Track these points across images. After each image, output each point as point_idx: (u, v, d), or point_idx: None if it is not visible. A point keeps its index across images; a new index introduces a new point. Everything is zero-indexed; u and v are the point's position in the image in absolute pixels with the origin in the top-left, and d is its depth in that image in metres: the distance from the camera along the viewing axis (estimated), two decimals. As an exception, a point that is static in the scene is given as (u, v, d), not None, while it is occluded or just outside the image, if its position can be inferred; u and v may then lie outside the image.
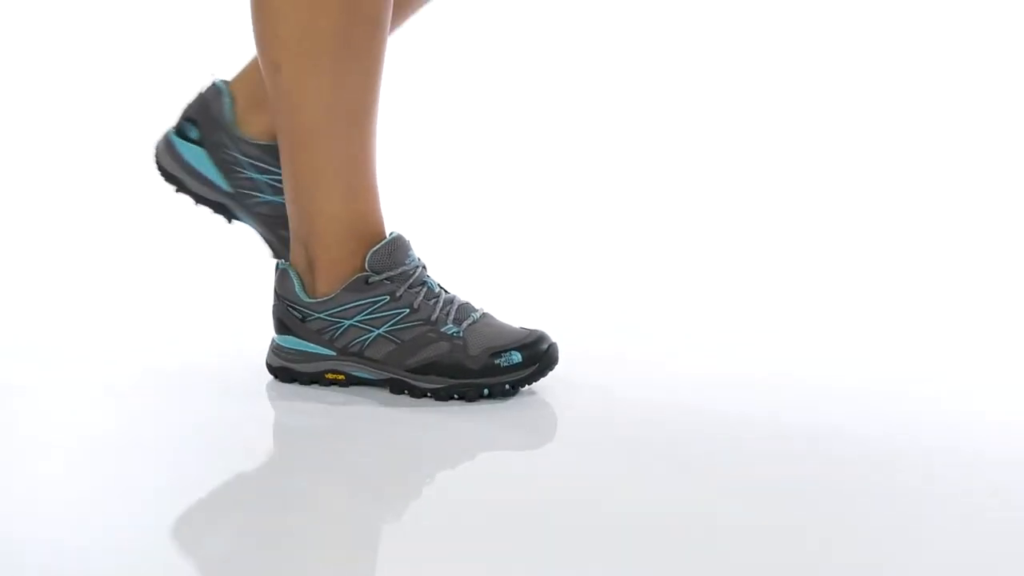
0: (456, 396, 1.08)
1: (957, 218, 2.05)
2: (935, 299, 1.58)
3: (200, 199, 1.15)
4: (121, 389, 1.12)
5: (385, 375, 1.09)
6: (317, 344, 1.10)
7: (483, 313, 1.11)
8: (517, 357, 1.07)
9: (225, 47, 2.57)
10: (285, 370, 1.12)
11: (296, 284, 1.10)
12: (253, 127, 1.13)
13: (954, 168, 2.29)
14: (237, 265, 1.87)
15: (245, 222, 1.15)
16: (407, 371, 1.09)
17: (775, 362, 1.24)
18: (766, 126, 2.44)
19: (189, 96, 1.16)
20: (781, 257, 1.86)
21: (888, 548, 0.75)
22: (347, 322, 1.09)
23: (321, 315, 1.09)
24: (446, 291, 1.12)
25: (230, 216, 1.16)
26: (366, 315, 1.08)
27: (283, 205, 1.11)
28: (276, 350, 1.12)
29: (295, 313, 1.10)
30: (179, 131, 1.15)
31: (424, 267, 1.11)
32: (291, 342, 1.11)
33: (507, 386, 1.08)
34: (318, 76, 1.06)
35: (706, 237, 2.01)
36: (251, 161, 1.12)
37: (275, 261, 1.13)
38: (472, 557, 0.75)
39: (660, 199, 2.25)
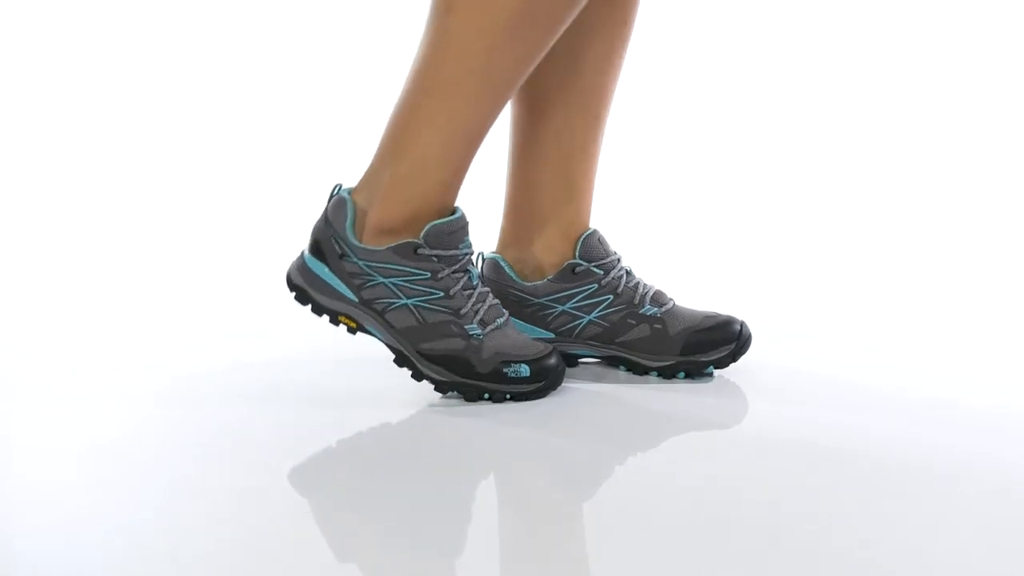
0: (456, 392, 1.09)
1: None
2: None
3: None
4: (156, 395, 1.12)
5: (395, 345, 1.09)
6: (345, 285, 1.09)
7: (508, 318, 1.11)
8: (525, 371, 1.08)
9: (225, 47, 2.58)
10: (303, 292, 1.10)
11: (349, 218, 1.08)
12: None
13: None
14: (239, 267, 1.87)
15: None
16: (418, 352, 1.09)
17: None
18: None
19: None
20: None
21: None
22: (381, 279, 1.08)
23: (360, 261, 1.08)
24: (483, 285, 1.13)
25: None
26: (402, 281, 1.08)
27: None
28: (302, 269, 1.11)
29: (336, 246, 1.09)
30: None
31: (472, 255, 1.11)
32: (321, 270, 1.09)
33: (507, 396, 1.09)
34: (487, 34, 1.03)
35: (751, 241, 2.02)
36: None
37: (335, 185, 1.11)
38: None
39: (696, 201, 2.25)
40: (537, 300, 1.18)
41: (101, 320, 1.51)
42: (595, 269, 1.17)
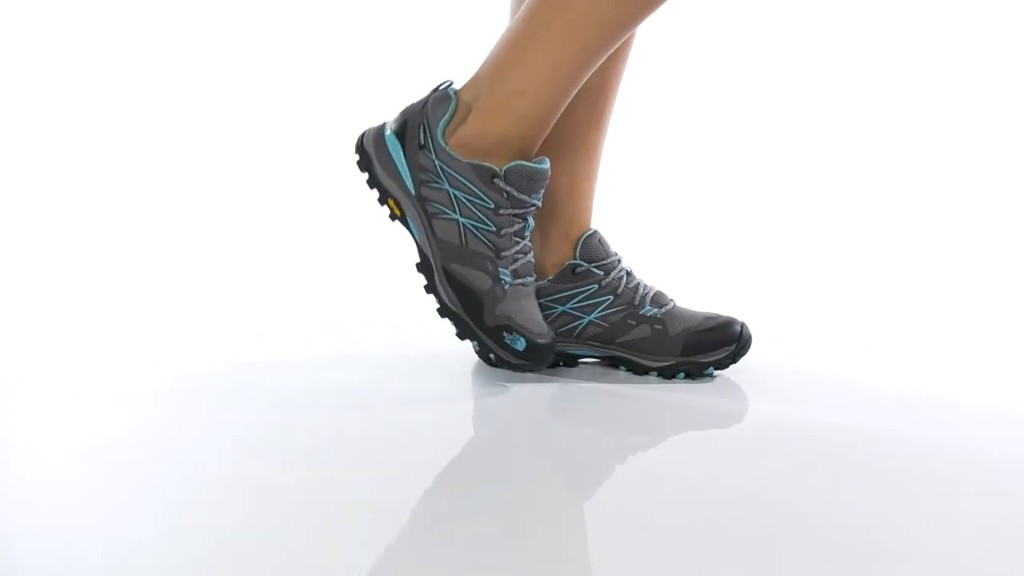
0: (452, 324, 1.11)
1: None
2: None
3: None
4: (156, 395, 1.12)
5: (427, 251, 1.10)
6: (410, 175, 1.10)
7: (535, 283, 1.13)
8: (521, 344, 1.09)
9: (226, 47, 2.58)
10: (368, 161, 1.12)
11: (447, 116, 1.09)
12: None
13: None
14: (240, 268, 1.87)
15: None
16: (444, 269, 1.10)
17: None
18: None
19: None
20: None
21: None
22: (447, 187, 1.09)
23: (436, 160, 1.09)
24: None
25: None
26: (465, 198, 1.08)
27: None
28: (377, 140, 1.12)
29: (420, 136, 1.09)
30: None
31: (538, 208, 1.11)
32: (396, 150, 1.10)
33: (492, 357, 1.10)
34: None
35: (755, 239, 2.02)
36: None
37: (443, 82, 1.11)
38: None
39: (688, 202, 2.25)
40: (538, 300, 1.18)
41: (101, 320, 1.51)
42: (595, 270, 1.17)
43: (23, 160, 2.46)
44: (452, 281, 1.10)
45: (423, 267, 1.11)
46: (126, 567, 0.71)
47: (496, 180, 1.08)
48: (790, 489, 0.86)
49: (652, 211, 2.35)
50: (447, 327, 1.14)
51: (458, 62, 1.13)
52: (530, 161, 1.09)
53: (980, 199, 2.34)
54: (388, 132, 1.12)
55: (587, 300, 1.17)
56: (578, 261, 1.17)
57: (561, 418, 1.05)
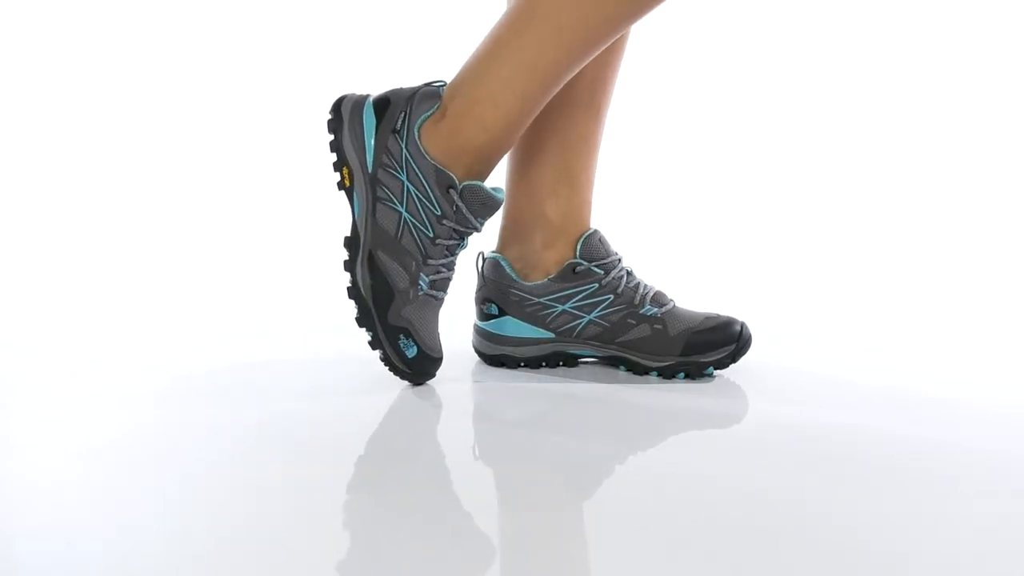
0: (355, 308, 1.10)
1: None
2: None
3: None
4: (156, 395, 1.12)
5: (360, 231, 1.09)
6: (374, 153, 1.09)
7: (441, 303, 1.12)
8: (413, 352, 1.10)
9: (226, 48, 2.58)
10: (339, 123, 1.11)
11: (427, 114, 1.08)
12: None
13: None
14: (239, 268, 1.87)
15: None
16: (370, 254, 1.09)
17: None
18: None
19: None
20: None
21: None
22: (404, 178, 1.08)
23: (404, 150, 1.08)
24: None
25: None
26: (416, 196, 1.08)
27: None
28: (355, 108, 1.11)
29: (398, 121, 1.09)
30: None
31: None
32: (369, 124, 1.10)
33: (381, 357, 1.10)
34: None
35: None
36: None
37: (438, 80, 1.11)
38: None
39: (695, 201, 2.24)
40: (537, 299, 1.18)
41: (101, 320, 1.51)
42: (596, 269, 1.17)
43: (23, 161, 2.46)
44: (373, 267, 1.09)
45: (350, 243, 1.10)
46: (126, 567, 0.71)
47: (451, 191, 1.07)
48: (790, 489, 0.86)
49: (652, 211, 2.35)
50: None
51: (457, 63, 1.13)
52: (485, 179, 1.09)
53: (979, 199, 2.34)
54: (370, 103, 1.11)
55: (587, 299, 1.17)
56: (578, 260, 1.17)
57: (561, 418, 1.05)
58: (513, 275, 1.19)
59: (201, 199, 2.42)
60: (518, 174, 1.20)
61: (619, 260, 1.19)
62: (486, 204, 1.08)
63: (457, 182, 1.07)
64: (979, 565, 0.72)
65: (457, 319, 1.25)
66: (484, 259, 1.21)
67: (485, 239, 1.26)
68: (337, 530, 0.78)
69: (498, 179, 1.23)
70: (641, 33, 1.20)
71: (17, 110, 2.52)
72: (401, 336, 1.09)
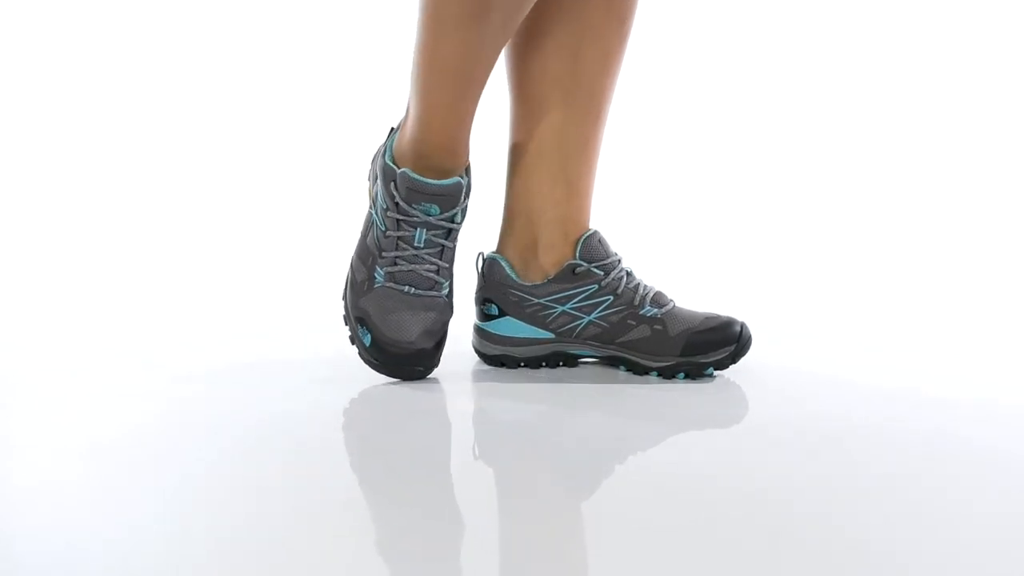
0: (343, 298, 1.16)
1: None
2: None
3: (371, 170, 1.20)
4: (156, 395, 1.12)
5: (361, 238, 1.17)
6: (372, 170, 1.18)
7: (411, 296, 1.14)
8: (368, 340, 1.13)
9: (226, 48, 2.58)
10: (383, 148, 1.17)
11: (403, 119, 1.15)
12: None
13: None
14: (240, 269, 1.87)
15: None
16: (354, 254, 1.17)
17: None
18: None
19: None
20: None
21: None
22: (379, 184, 1.14)
23: (382, 157, 1.15)
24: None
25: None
26: (379, 197, 1.14)
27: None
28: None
29: (383, 145, 1.17)
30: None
31: (438, 223, 1.15)
32: (389, 141, 1.16)
33: (350, 336, 1.14)
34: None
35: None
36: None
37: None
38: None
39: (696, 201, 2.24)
40: (537, 300, 1.18)
41: (101, 320, 1.51)
42: (595, 270, 1.17)
43: (23, 161, 2.46)
44: (350, 266, 1.17)
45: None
46: (126, 567, 0.71)
47: (391, 183, 1.12)
48: (790, 489, 0.86)
49: (652, 211, 2.35)
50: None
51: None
52: (436, 174, 1.11)
53: (979, 199, 2.34)
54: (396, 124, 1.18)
55: (587, 300, 1.17)
56: (578, 261, 1.17)
57: (561, 418, 1.05)
58: (513, 275, 1.19)
59: (201, 200, 2.42)
60: (518, 175, 1.20)
61: (619, 261, 1.19)
62: (413, 189, 1.10)
63: (396, 173, 1.11)
64: (979, 565, 0.72)
65: (457, 319, 1.25)
66: (484, 259, 1.21)
67: (485, 239, 1.26)
68: (337, 530, 0.78)
69: (498, 179, 1.23)
70: (641, 34, 1.20)
71: (17, 111, 2.52)
72: (359, 326, 1.14)
